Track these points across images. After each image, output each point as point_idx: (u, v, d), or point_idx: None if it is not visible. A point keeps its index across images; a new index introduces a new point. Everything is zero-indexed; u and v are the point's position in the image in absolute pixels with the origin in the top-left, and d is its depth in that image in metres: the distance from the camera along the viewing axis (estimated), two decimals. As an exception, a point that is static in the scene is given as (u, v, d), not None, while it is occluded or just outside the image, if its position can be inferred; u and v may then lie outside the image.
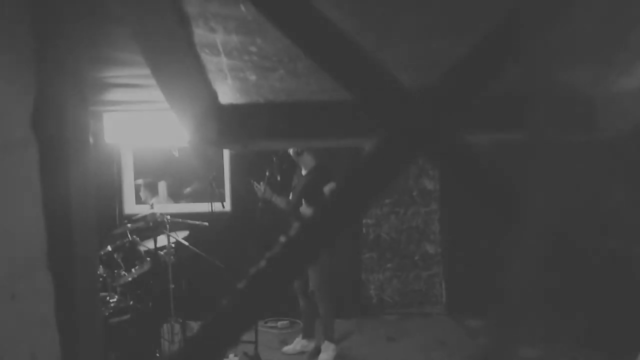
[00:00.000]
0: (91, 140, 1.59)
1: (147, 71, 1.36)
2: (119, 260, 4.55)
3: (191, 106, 1.46)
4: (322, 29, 0.70)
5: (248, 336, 4.68)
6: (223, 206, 5.44)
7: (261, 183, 4.54)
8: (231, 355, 4.54)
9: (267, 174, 4.48)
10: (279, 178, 4.58)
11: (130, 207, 5.94)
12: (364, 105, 0.63)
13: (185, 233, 4.93)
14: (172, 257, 4.67)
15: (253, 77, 1.33)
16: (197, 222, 4.88)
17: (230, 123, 1.49)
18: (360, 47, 0.63)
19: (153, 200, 5.68)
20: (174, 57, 1.21)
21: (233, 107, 1.49)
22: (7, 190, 1.03)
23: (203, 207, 5.44)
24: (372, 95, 0.59)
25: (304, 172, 4.64)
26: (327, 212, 0.61)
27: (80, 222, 1.22)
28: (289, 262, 0.61)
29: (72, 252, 1.19)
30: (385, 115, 0.59)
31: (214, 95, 1.44)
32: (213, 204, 4.98)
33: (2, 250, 1.03)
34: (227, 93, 1.45)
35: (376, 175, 0.58)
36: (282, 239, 0.63)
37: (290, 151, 4.56)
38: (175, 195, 6.31)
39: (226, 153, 5.83)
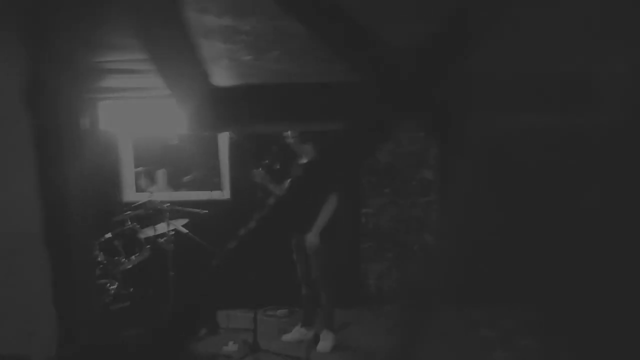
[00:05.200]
0: (86, 123, 1.58)
1: (141, 56, 1.35)
2: (119, 247, 4.56)
3: (186, 88, 1.45)
4: None
5: (247, 324, 4.69)
6: (222, 194, 5.45)
7: (260, 168, 4.54)
8: (230, 343, 4.56)
9: (266, 162, 4.48)
10: (278, 167, 4.57)
11: (130, 194, 5.94)
12: (352, 61, 0.62)
13: (185, 221, 4.94)
14: (171, 244, 4.68)
15: (248, 58, 1.32)
16: (197, 210, 4.89)
17: (226, 106, 1.48)
18: (349, 12, 0.62)
19: (152, 188, 5.69)
20: (166, 36, 1.20)
21: (228, 90, 1.48)
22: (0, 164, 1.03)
23: (202, 195, 5.44)
24: (361, 52, 0.59)
25: (304, 162, 4.62)
26: (314, 172, 0.61)
27: (76, 199, 1.22)
28: (276, 223, 0.61)
29: (68, 228, 1.18)
30: (374, 72, 0.58)
31: (208, 78, 1.43)
32: (212, 192, 4.99)
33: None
34: (222, 75, 1.44)
35: (363, 138, 0.57)
36: (271, 201, 0.62)
37: (291, 139, 4.54)
38: (174, 184, 6.30)
39: (225, 142, 5.82)
